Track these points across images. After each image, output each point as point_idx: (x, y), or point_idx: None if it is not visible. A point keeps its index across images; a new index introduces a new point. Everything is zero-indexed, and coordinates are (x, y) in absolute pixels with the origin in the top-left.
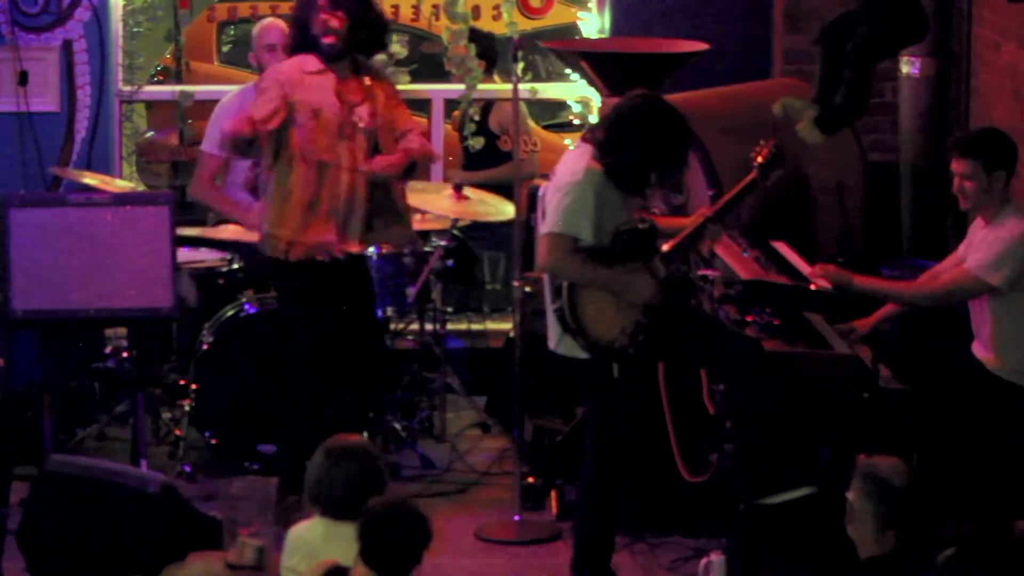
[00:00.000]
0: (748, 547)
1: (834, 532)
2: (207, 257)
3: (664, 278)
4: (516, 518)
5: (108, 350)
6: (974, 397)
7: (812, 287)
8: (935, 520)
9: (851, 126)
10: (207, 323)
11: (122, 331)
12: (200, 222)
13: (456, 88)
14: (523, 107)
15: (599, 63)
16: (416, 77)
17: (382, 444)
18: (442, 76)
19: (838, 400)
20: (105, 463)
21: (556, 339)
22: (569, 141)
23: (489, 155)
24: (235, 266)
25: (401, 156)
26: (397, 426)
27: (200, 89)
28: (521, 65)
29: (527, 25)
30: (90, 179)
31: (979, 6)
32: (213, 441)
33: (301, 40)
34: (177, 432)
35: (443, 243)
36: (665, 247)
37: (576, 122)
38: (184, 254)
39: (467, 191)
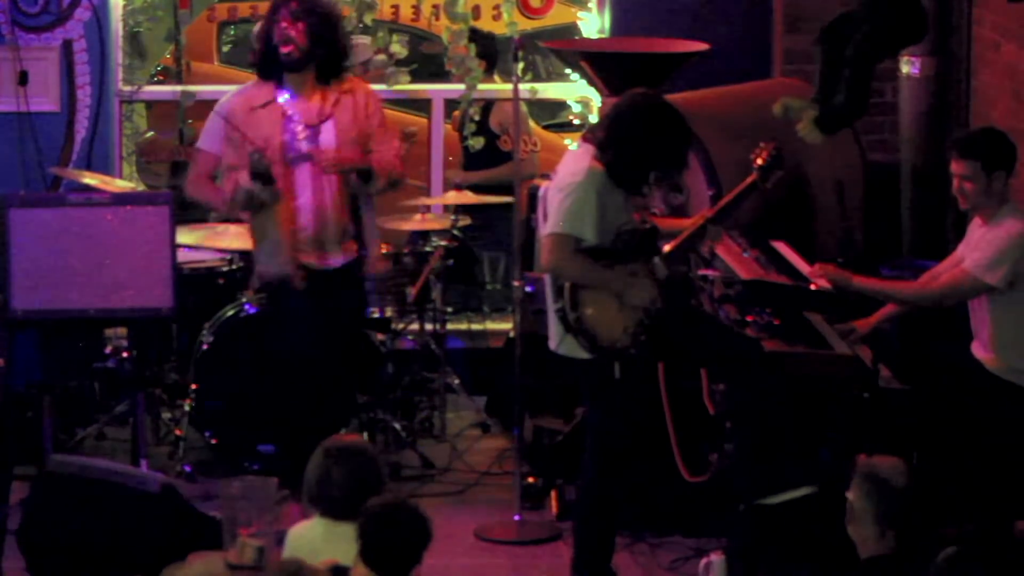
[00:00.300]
0: (748, 547)
1: (834, 532)
2: (207, 257)
3: (665, 279)
4: (516, 518)
5: (108, 350)
6: (974, 397)
7: (812, 287)
8: (935, 520)
9: (851, 126)
10: (207, 323)
11: (122, 331)
12: (201, 221)
13: (456, 88)
14: (523, 107)
15: (599, 63)
16: (416, 77)
17: (382, 444)
18: (442, 76)
19: (838, 400)
20: (105, 463)
21: (557, 340)
22: (569, 141)
23: (489, 155)
24: (235, 266)
25: (357, 155)
26: (397, 426)
27: (201, 89)
28: (521, 65)
29: (527, 25)
30: (90, 179)
31: (979, 6)
32: (213, 441)
33: (265, 50)
34: (177, 432)
35: (443, 243)
36: (666, 248)
37: (576, 122)
38: (184, 254)
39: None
